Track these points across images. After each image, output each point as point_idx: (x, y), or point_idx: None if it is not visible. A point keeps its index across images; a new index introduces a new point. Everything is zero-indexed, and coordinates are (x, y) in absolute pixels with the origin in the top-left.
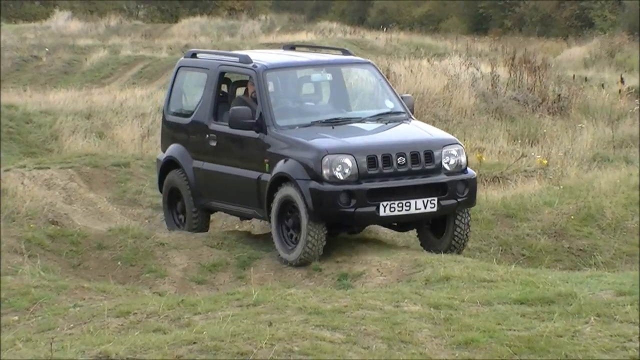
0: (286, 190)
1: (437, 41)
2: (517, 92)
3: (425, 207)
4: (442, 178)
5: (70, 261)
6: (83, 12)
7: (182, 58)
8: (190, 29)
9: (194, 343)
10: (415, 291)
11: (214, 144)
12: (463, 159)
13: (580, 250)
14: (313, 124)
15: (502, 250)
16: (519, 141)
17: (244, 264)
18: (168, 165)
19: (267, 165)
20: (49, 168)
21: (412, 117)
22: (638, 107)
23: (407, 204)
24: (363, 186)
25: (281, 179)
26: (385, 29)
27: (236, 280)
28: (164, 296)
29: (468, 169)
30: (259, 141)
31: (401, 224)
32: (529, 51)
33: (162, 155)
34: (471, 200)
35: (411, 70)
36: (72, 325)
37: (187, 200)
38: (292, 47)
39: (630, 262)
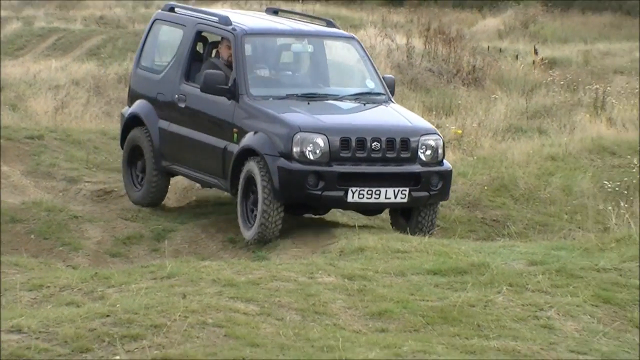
0: (251, 165)
1: (353, 12)
2: (432, 63)
3: (395, 197)
4: (416, 168)
5: None
6: None
7: (159, 11)
8: (105, 1)
9: (108, 316)
10: (329, 262)
11: (182, 105)
12: (441, 150)
13: (494, 220)
14: (288, 96)
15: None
16: (434, 112)
17: (158, 237)
18: (132, 122)
19: (235, 135)
20: None
21: (392, 99)
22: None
23: (377, 192)
24: (334, 169)
25: (248, 152)
26: (301, 0)
27: (150, 253)
28: (77, 269)
29: (445, 161)
30: (230, 109)
31: (375, 211)
32: (444, 22)
33: (127, 110)
34: (444, 194)
35: None
36: None
37: (148, 160)
38: (274, 11)
39: (543, 232)
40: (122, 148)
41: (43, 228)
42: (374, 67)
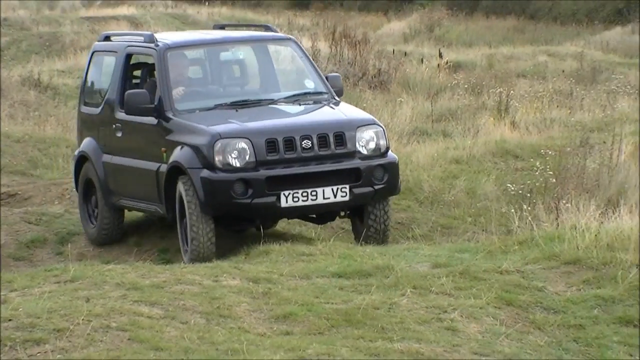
0: (183, 183)
1: (259, 15)
2: (338, 66)
3: (335, 195)
4: (355, 163)
5: None
6: None
7: (95, 42)
8: (8, 2)
9: (10, 320)
10: (234, 265)
11: (119, 134)
12: (382, 141)
13: (399, 223)
14: (216, 107)
15: (321, 226)
16: None
17: (62, 240)
18: (81, 162)
19: (164, 154)
20: None
21: (336, 98)
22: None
23: (313, 193)
24: (260, 173)
25: (176, 170)
26: (207, 3)
27: (54, 257)
28: None
29: (390, 152)
30: (158, 128)
31: (316, 214)
32: (349, 26)
33: (77, 151)
34: (392, 187)
35: None
36: None
37: (99, 197)
38: (222, 27)
39: (447, 235)
40: (76, 190)
41: None
42: (314, 66)
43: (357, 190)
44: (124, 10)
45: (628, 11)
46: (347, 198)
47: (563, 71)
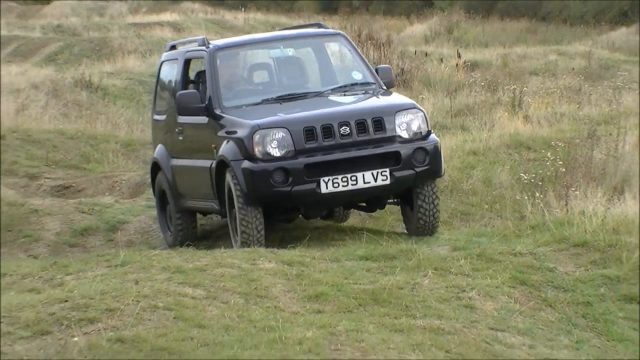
0: (228, 176)
1: (291, 20)
2: None
3: (375, 179)
4: (394, 147)
5: None
6: None
7: (164, 53)
8: (61, 10)
9: (66, 301)
10: (270, 250)
11: (180, 137)
12: (423, 125)
13: None
14: (262, 102)
15: (352, 211)
16: None
17: (113, 228)
18: (155, 168)
19: (215, 151)
20: None
21: (384, 87)
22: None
23: (353, 178)
24: (299, 161)
25: (223, 163)
26: (243, 9)
27: (106, 243)
28: (38, 259)
29: (432, 135)
30: (208, 126)
31: (361, 201)
32: (374, 29)
33: (152, 158)
34: (434, 169)
35: None
36: None
37: (170, 203)
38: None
39: (465, 220)
40: (154, 194)
41: (5, 221)
42: (362, 58)
43: (397, 174)
44: (167, 16)
45: (632, 13)
46: (387, 182)
47: (572, 69)
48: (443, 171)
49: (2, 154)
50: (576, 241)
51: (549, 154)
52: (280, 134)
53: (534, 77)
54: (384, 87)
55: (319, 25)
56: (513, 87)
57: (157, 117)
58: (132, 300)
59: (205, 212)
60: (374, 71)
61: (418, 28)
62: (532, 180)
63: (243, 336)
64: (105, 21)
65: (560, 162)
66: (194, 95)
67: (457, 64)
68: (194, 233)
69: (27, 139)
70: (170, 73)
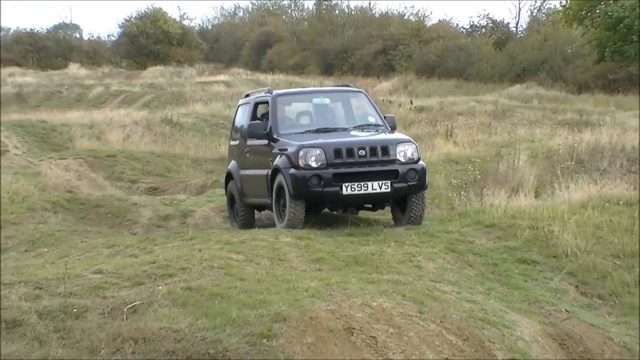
0: (279, 178)
1: (302, 79)
2: None
3: (380, 188)
4: (394, 167)
5: (79, 215)
6: (88, 64)
7: (241, 99)
8: (153, 73)
9: (154, 263)
10: (288, 230)
11: (248, 155)
12: (415, 153)
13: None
14: (306, 132)
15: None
16: None
17: (185, 215)
18: (228, 177)
19: (271, 162)
20: (66, 158)
21: (389, 128)
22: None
23: (365, 185)
24: (329, 171)
25: (276, 170)
26: (271, 72)
27: (180, 225)
28: (136, 235)
29: (420, 161)
30: (268, 146)
31: (369, 203)
32: (357, 84)
33: (226, 170)
34: (421, 184)
35: None
36: (80, 253)
37: (237, 200)
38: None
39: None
40: (226, 195)
41: (115, 210)
42: (375, 108)
43: (396, 185)
44: (221, 77)
45: (524, 75)
46: (389, 190)
47: (485, 111)
48: (426, 186)
49: (114, 166)
50: (487, 223)
51: (470, 166)
52: (317, 151)
53: (460, 116)
54: (389, 128)
55: (347, 85)
56: (447, 123)
57: (232, 142)
58: (197, 262)
59: (260, 206)
60: (382, 117)
61: (385, 84)
62: (459, 184)
63: (269, 286)
64: (181, 80)
65: (477, 172)
66: (260, 125)
67: (410, 108)
68: (252, 222)
69: (129, 157)
70: (244, 113)
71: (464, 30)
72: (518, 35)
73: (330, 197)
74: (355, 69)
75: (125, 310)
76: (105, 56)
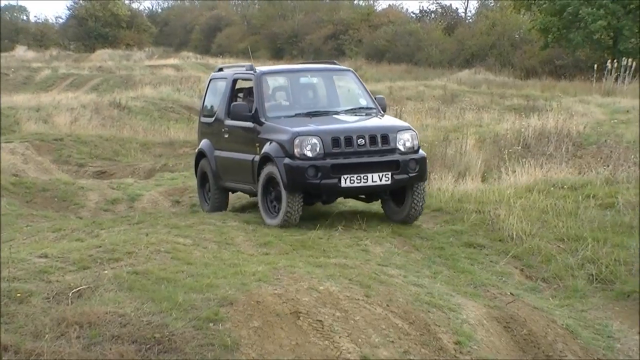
0: (269, 168)
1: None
2: None
3: (380, 180)
4: (395, 157)
5: (25, 199)
6: (35, 46)
7: (213, 73)
8: (102, 56)
9: (100, 247)
10: (235, 213)
11: (227, 136)
12: (415, 142)
13: None
14: (296, 115)
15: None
16: None
17: (132, 199)
18: (199, 156)
19: (258, 148)
20: (12, 142)
21: (381, 112)
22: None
23: (365, 177)
24: (327, 162)
25: (266, 159)
26: (221, 56)
27: (128, 209)
28: (82, 219)
29: (420, 150)
30: (254, 130)
31: (365, 195)
32: None
33: (197, 149)
34: (421, 175)
35: None
36: (25, 237)
37: (210, 181)
38: (298, 64)
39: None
40: (196, 176)
41: (62, 194)
42: (366, 90)
43: (396, 177)
44: (171, 61)
45: (473, 60)
46: (389, 182)
47: (434, 96)
48: (427, 177)
49: (61, 150)
50: (435, 207)
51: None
52: (313, 140)
53: (409, 101)
54: (382, 112)
55: (334, 63)
56: (396, 107)
57: (203, 119)
58: (144, 246)
59: (239, 191)
60: (373, 99)
61: None
62: None
63: (216, 270)
64: (130, 63)
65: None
66: (244, 106)
67: None
68: (225, 204)
69: (77, 140)
70: (218, 88)
71: (413, 16)
72: (467, 21)
73: (328, 189)
74: (306, 53)
75: (71, 294)
76: (53, 39)
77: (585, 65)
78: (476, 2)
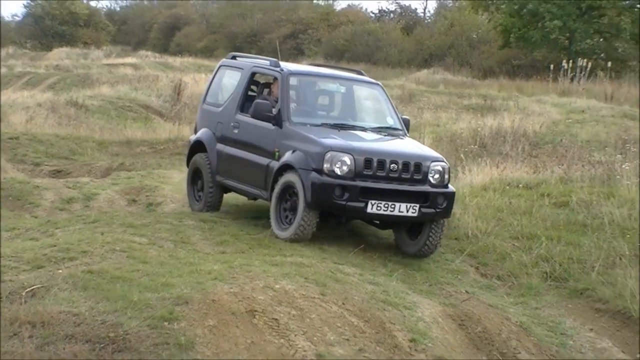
0: (289, 177)
1: (212, 62)
2: None
3: (407, 211)
4: (426, 188)
5: None
6: None
7: (224, 59)
8: (59, 55)
9: (54, 246)
10: (192, 213)
11: (236, 131)
12: (447, 175)
13: None
14: (322, 125)
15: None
16: None
17: (88, 198)
18: (196, 146)
19: (276, 153)
20: None
21: (407, 134)
22: None
23: (392, 206)
24: (357, 183)
25: (286, 167)
26: (180, 55)
27: (83, 208)
28: (37, 218)
29: (449, 185)
30: (274, 133)
31: (390, 223)
32: None
33: (193, 137)
34: (447, 212)
35: (195, 80)
36: None
37: (205, 177)
38: (318, 65)
39: None
40: (188, 167)
41: (17, 193)
42: (394, 107)
43: (424, 210)
44: (129, 59)
45: (431, 60)
46: (415, 214)
47: (392, 96)
48: (450, 214)
49: (16, 149)
50: None
51: None
52: (345, 157)
53: None
54: (407, 134)
55: (360, 73)
56: None
57: (206, 107)
58: (99, 245)
59: (244, 194)
60: (400, 119)
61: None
62: None
63: (172, 269)
64: (88, 62)
65: None
66: (268, 105)
67: None
68: (219, 204)
69: (33, 139)
70: (231, 78)
71: (372, 15)
72: (426, 21)
73: (352, 212)
74: (265, 52)
75: (24, 294)
76: (9, 37)
77: (542, 66)
78: (435, 2)
